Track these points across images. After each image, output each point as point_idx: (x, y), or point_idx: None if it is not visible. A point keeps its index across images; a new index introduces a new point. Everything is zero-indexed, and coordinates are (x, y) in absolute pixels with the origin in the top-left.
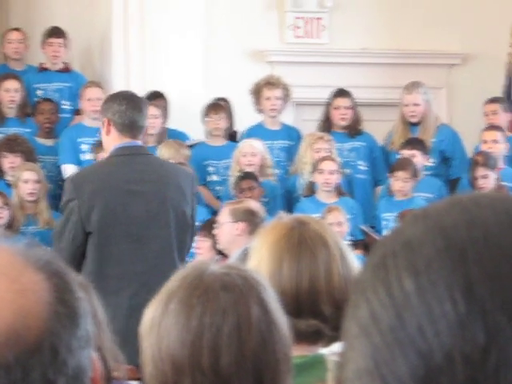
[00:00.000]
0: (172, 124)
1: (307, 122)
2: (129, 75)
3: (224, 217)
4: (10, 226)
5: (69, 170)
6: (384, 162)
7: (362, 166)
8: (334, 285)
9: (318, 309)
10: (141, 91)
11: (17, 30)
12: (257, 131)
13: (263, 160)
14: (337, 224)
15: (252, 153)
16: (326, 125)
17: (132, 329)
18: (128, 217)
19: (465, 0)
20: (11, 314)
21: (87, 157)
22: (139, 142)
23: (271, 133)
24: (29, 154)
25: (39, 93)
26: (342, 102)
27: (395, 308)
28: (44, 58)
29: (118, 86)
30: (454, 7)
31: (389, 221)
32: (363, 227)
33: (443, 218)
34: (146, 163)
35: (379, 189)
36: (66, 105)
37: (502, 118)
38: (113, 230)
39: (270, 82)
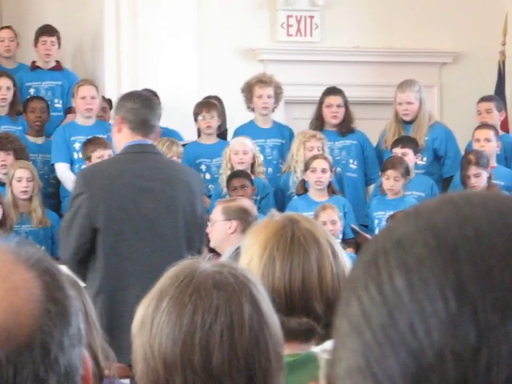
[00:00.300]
0: (164, 122)
1: (298, 121)
2: (121, 73)
3: (216, 215)
4: (3, 224)
5: (61, 168)
6: (376, 161)
7: (353, 164)
8: (326, 283)
9: (310, 307)
10: (133, 89)
11: (8, 28)
12: (248, 129)
13: (254, 158)
14: (330, 222)
15: (244, 151)
16: (318, 123)
17: None
18: (138, 213)
19: None
20: (2, 311)
21: (80, 155)
22: (150, 141)
23: (263, 131)
24: (20, 152)
25: (31, 91)
26: (334, 100)
27: (386, 306)
28: (35, 56)
29: (110, 84)
30: (446, 6)
31: (381, 219)
32: (353, 226)
33: (435, 217)
34: (156, 162)
35: (371, 187)
36: (58, 103)
37: (495, 117)
38: (123, 226)
39: (262, 80)
